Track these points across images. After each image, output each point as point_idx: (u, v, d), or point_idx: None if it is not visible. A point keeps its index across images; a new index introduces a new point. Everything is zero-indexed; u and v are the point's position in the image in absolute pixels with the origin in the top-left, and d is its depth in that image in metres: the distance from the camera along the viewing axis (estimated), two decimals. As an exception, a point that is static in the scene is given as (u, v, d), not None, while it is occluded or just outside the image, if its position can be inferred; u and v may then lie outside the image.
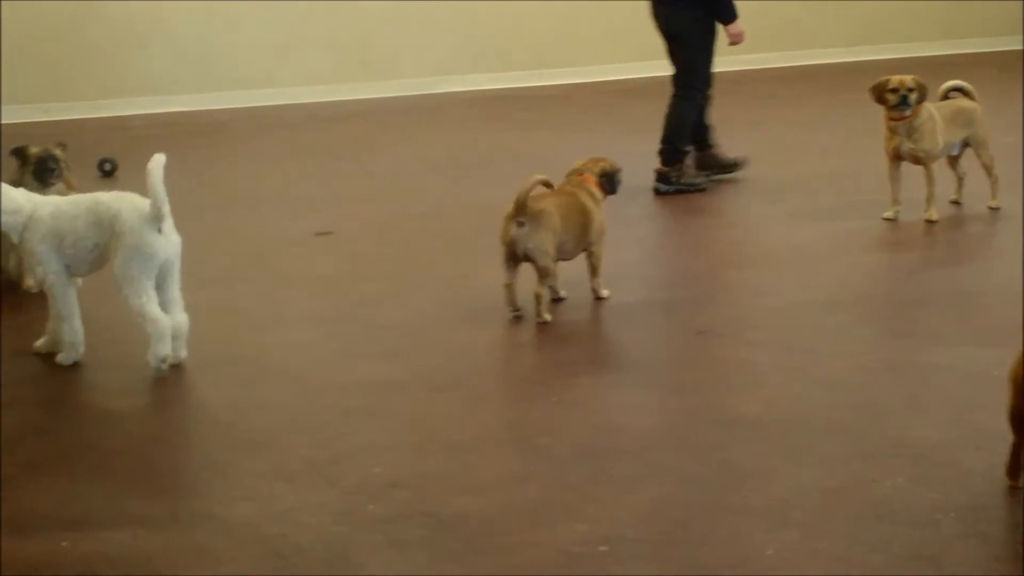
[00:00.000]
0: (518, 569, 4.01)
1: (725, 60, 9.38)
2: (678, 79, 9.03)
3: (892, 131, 7.79)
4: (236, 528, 4.29)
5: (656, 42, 9.03)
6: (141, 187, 5.91)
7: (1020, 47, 14.59)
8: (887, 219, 7.80)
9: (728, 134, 9.43)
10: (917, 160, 7.80)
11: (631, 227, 7.25)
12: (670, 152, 8.86)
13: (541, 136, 11.18)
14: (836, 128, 10.76)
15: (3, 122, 11.77)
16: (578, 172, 6.60)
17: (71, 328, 5.85)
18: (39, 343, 5.97)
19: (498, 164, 9.82)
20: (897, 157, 7.82)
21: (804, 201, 8.40)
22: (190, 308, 6.57)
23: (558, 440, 4.96)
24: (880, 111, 7.87)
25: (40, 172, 6.97)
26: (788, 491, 4.45)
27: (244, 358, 5.91)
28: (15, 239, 5.86)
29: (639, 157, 9.10)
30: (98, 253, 5.85)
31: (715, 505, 4.38)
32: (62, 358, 5.84)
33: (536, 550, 4.12)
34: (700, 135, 9.13)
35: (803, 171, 9.25)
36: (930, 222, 7.76)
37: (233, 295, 6.86)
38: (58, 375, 5.80)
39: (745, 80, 13.55)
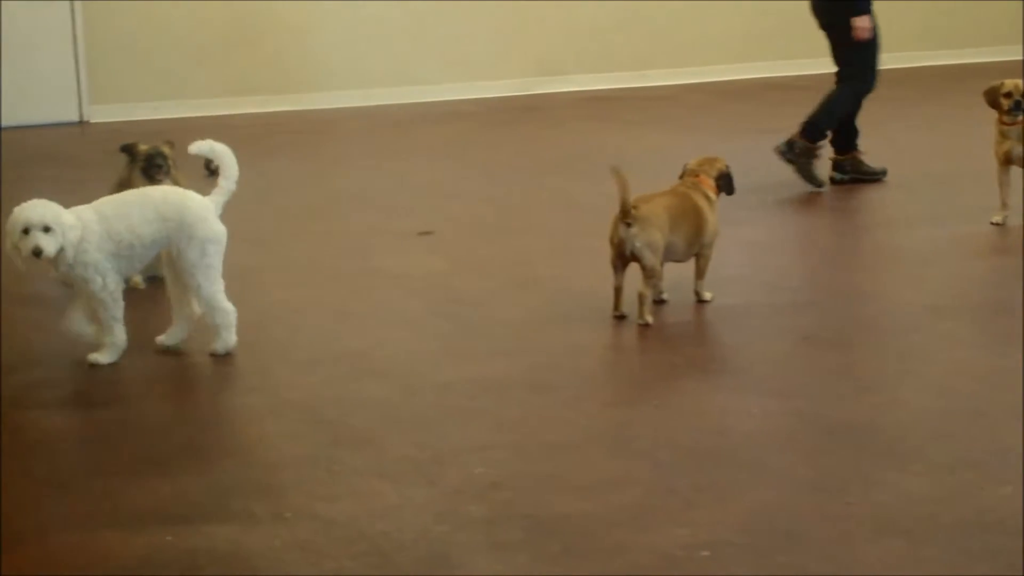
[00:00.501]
0: (619, 573, 4.00)
1: (827, 62, 9.29)
2: (839, 72, 9.00)
3: (1003, 135, 7.68)
4: (338, 525, 4.31)
5: (759, 43, 8.99)
6: (245, 185, 5.97)
7: None
8: (996, 223, 7.68)
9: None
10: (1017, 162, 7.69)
11: (735, 228, 7.19)
12: (810, 129, 8.83)
13: (647, 137, 11.15)
14: (943, 130, 10.63)
15: (114, 120, 11.97)
16: (693, 173, 6.55)
17: (120, 329, 5.86)
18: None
19: (602, 164, 9.73)
20: (1007, 161, 7.71)
21: (911, 204, 8.31)
22: (295, 306, 6.66)
23: (660, 443, 4.94)
24: (991, 115, 7.76)
25: (148, 169, 7.06)
26: (893, 498, 4.40)
27: (347, 355, 5.94)
28: (71, 257, 5.70)
29: (744, 158, 9.04)
30: (156, 249, 5.90)
31: (819, 511, 4.34)
32: (101, 357, 5.83)
33: (637, 554, 4.10)
34: (848, 137, 9.03)
35: (911, 174, 9.14)
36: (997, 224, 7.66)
37: (337, 293, 6.90)
38: (162, 374, 5.87)
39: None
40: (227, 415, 5.31)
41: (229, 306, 5.89)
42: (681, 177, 6.58)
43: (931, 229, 7.65)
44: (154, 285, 6.76)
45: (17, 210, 5.62)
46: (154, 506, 4.47)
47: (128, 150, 7.14)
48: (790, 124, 11.39)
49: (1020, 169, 7.75)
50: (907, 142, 10.20)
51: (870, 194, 8.77)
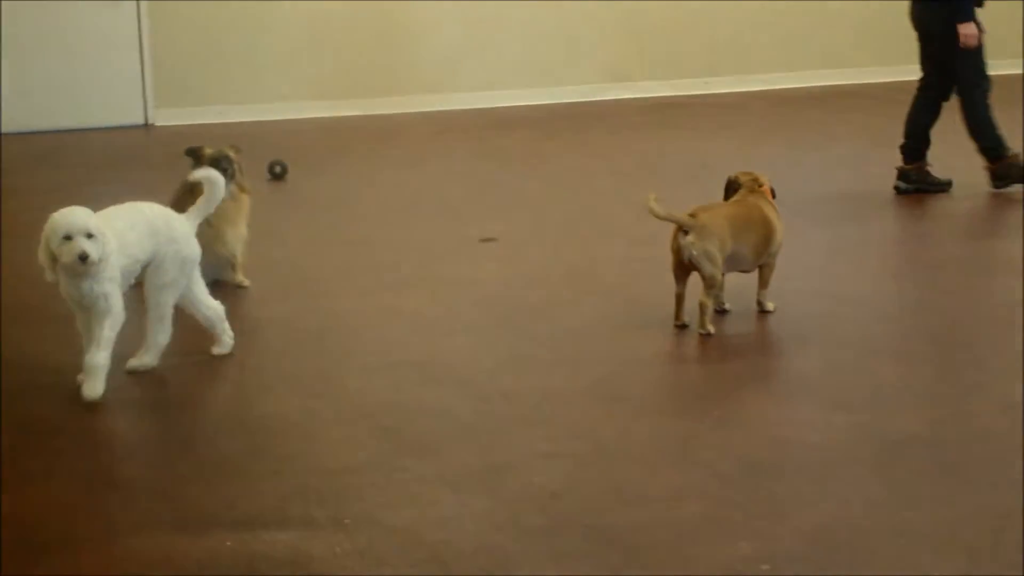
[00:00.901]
0: (679, 585, 3.99)
1: (893, 70, 9.22)
2: (956, 84, 8.84)
3: None
4: (398, 533, 4.32)
5: (825, 51, 8.92)
6: (310, 190, 6.00)
7: None
8: None
9: (896, 142, 9.27)
10: None
11: (798, 238, 7.15)
12: (988, 151, 8.77)
13: (712, 144, 11.11)
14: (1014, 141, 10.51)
15: (179, 123, 12.06)
16: (754, 182, 6.50)
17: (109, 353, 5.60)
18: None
19: (668, 171, 9.79)
20: None
21: (978, 215, 8.21)
22: (359, 313, 6.68)
23: (722, 455, 4.91)
24: None
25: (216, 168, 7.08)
26: (957, 514, 4.36)
27: (411, 362, 5.95)
28: (101, 270, 5.48)
29: (809, 167, 9.01)
30: (144, 264, 5.76)
31: (882, 526, 4.30)
32: (88, 389, 5.49)
33: (698, 565, 4.09)
34: (918, 147, 8.94)
35: (978, 184, 9.03)
36: None
37: (400, 300, 6.91)
38: (227, 380, 5.90)
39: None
40: (290, 420, 5.32)
41: (216, 303, 6.02)
42: (728, 188, 6.55)
43: (997, 241, 7.56)
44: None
45: (57, 216, 5.43)
46: (215, 510, 4.49)
47: (193, 154, 7.18)
48: (857, 132, 11.39)
49: None
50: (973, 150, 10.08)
51: (936, 205, 8.70)
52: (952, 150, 9.51)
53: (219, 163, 7.10)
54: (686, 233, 6.16)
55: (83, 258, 5.36)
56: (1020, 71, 13.83)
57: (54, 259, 5.43)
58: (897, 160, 9.10)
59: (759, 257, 6.38)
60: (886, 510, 4.42)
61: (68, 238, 5.37)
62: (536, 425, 5.24)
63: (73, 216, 5.43)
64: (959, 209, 8.63)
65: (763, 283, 6.47)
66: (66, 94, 12.01)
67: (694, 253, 6.17)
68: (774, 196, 6.52)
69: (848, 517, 4.37)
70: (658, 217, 6.17)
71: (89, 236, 5.39)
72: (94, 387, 5.43)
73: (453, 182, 9.89)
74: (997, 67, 13.94)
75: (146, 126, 12.28)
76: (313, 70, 12.78)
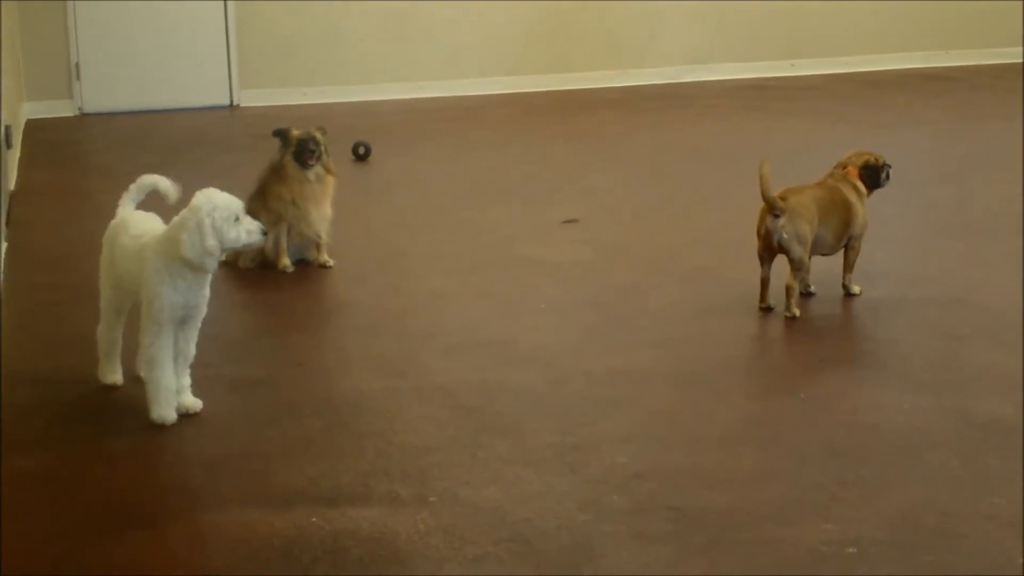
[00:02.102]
0: (764, 567, 3.97)
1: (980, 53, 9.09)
2: None
3: None
4: (481, 511, 4.33)
5: (908, 33, 8.80)
6: (393, 172, 6.01)
7: None
8: None
9: (984, 127, 9.16)
10: None
11: (886, 223, 7.09)
12: None
13: (796, 127, 11.03)
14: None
15: (263, 104, 12.13)
16: (842, 165, 6.49)
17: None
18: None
19: (751, 154, 9.66)
20: None
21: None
22: (442, 293, 6.69)
23: (806, 437, 4.89)
24: None
25: (300, 154, 7.13)
26: (1045, 499, 4.32)
27: (493, 343, 5.97)
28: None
29: (895, 151, 8.90)
30: None
31: (968, 510, 4.27)
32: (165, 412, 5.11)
33: (783, 548, 4.07)
34: None
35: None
36: None
37: (483, 281, 6.93)
38: (311, 359, 5.93)
39: (1005, 73, 13.18)
40: (373, 399, 5.35)
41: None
42: (832, 170, 6.51)
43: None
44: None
45: (212, 197, 4.95)
46: (301, 487, 4.53)
47: (281, 135, 7.22)
48: (943, 116, 11.26)
49: None
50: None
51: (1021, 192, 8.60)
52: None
53: (306, 144, 7.15)
54: (776, 216, 6.13)
55: (264, 232, 5.07)
56: (1021, 60, 13.64)
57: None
58: (983, 141, 8.98)
59: (839, 241, 6.34)
60: (972, 494, 4.38)
61: (238, 219, 4.97)
62: (618, 406, 5.23)
63: (226, 196, 5.00)
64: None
65: (848, 267, 6.42)
66: (152, 74, 12.12)
67: (785, 236, 6.13)
68: (871, 175, 6.45)
69: (934, 501, 4.34)
70: (763, 187, 6.09)
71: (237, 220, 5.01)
72: (170, 412, 5.08)
73: (534, 164, 9.88)
74: (999, 56, 13.86)
75: (231, 107, 12.36)
76: (396, 51, 12.80)
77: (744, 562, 4.00)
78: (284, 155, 7.15)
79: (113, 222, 5.38)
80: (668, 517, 4.28)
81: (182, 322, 5.08)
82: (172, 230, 5.00)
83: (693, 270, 7.02)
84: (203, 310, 5.12)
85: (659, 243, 7.62)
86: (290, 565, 4.03)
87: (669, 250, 7.46)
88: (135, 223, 5.26)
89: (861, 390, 5.41)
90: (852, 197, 6.36)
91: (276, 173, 7.19)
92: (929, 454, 4.71)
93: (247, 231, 4.99)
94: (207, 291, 5.09)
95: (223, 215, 4.93)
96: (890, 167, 6.56)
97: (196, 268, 4.96)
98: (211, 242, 4.90)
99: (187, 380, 5.17)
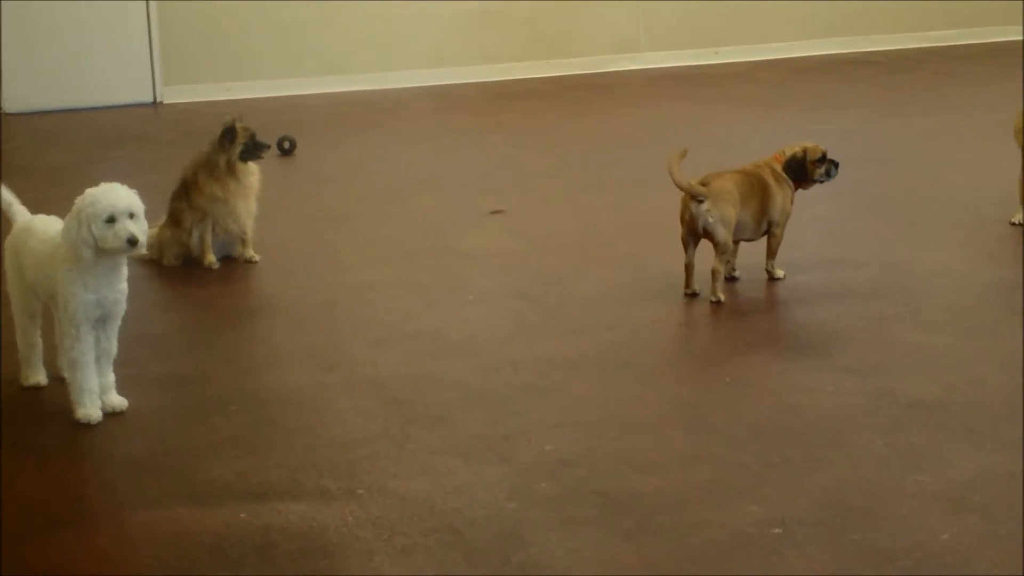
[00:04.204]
0: (691, 550, 4.00)
1: (903, 37, 9.18)
2: None
3: None
4: (411, 502, 4.33)
5: (832, 19, 8.85)
6: (319, 165, 6.00)
7: None
8: (1018, 224, 7.26)
9: (908, 110, 9.26)
10: None
11: (810, 206, 7.14)
12: None
13: (723, 114, 11.09)
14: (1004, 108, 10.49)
15: (187, 100, 12.05)
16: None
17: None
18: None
19: (678, 142, 9.69)
20: None
21: (989, 185, 8.16)
22: (370, 285, 6.68)
23: (733, 420, 4.93)
24: None
25: (255, 149, 7.11)
26: (968, 475, 4.37)
27: (422, 334, 5.97)
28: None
29: (821, 135, 8.98)
30: None
31: (892, 488, 4.32)
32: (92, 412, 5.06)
33: (710, 531, 4.10)
34: None
35: (991, 154, 9.01)
36: None
37: (411, 272, 6.92)
38: (239, 354, 5.92)
39: (928, 56, 13.32)
40: (302, 393, 5.34)
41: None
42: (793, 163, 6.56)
43: (1006, 210, 7.48)
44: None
45: (97, 192, 4.86)
46: (229, 483, 4.51)
47: (230, 132, 7.11)
48: (866, 100, 11.37)
49: None
50: (987, 120, 10.05)
51: (946, 174, 8.68)
52: (966, 119, 9.47)
53: (255, 137, 7.14)
54: (700, 202, 6.17)
55: (132, 242, 4.82)
56: (1021, 38, 13.78)
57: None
58: (908, 125, 9.07)
59: (760, 225, 6.39)
60: (897, 473, 4.43)
61: (112, 220, 4.81)
62: (547, 394, 5.25)
63: (115, 194, 4.86)
64: (970, 178, 8.60)
65: (771, 252, 6.48)
66: (74, 73, 12.01)
67: (710, 220, 6.18)
68: (793, 167, 6.46)
69: (859, 480, 4.38)
70: (674, 181, 6.15)
71: (132, 216, 4.86)
72: (95, 411, 5.04)
73: (460, 155, 9.89)
74: (1000, 34, 14.01)
75: (155, 104, 12.28)
76: (320, 45, 12.76)
77: (671, 545, 4.02)
78: (231, 151, 7.08)
79: (16, 227, 5.30)
80: (596, 502, 4.30)
81: (101, 321, 5.01)
82: (63, 229, 4.95)
83: (620, 257, 7.05)
84: (122, 307, 5.04)
85: (586, 231, 7.65)
86: (219, 561, 4.01)
87: (596, 238, 7.49)
88: (42, 227, 5.20)
89: (787, 373, 5.46)
90: (772, 182, 6.41)
91: (208, 169, 7.13)
92: (854, 434, 4.76)
93: (115, 235, 4.81)
94: (124, 287, 5.02)
95: (95, 211, 4.80)
96: (833, 163, 6.53)
97: (73, 259, 4.86)
98: (84, 233, 4.80)
99: (111, 378, 5.13)
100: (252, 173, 7.18)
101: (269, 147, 7.25)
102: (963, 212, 7.65)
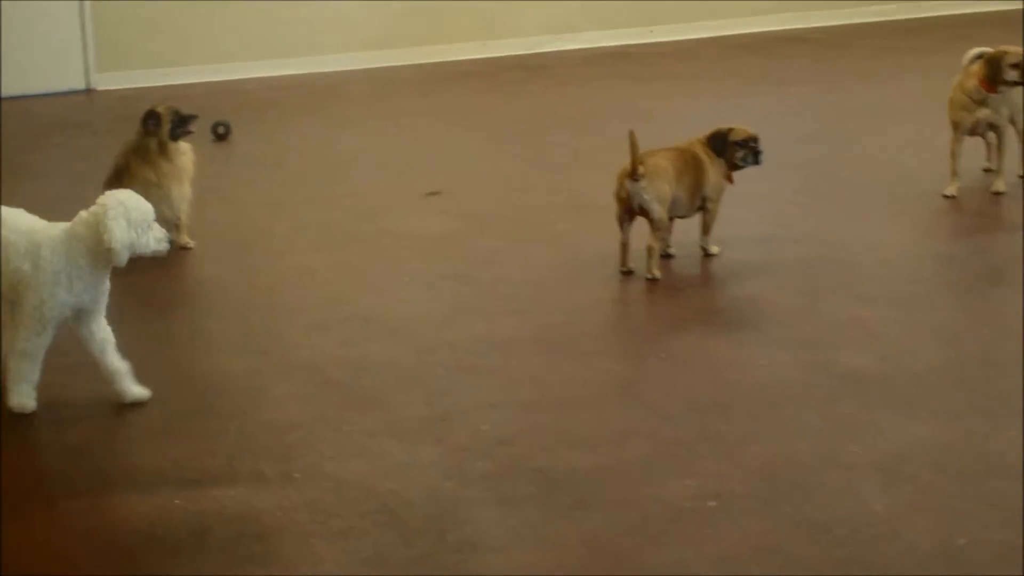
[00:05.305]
0: (627, 525, 4.02)
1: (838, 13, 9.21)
2: None
3: (981, 103, 7.28)
4: (347, 485, 4.33)
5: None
6: (254, 150, 5.97)
7: None
8: (949, 196, 7.34)
9: (843, 86, 9.30)
10: (993, 129, 7.43)
11: (745, 184, 7.15)
12: None
13: (659, 92, 11.10)
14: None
15: (121, 87, 11.95)
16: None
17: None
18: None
19: (613, 121, 9.75)
20: (974, 131, 7.39)
21: (924, 159, 8.21)
22: (306, 270, 6.66)
23: (668, 396, 4.95)
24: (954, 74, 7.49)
25: (181, 123, 7.06)
26: (901, 446, 4.41)
27: (358, 317, 5.95)
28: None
29: (757, 112, 9.03)
30: None
31: (826, 460, 4.35)
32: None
33: (645, 506, 4.12)
34: None
35: (926, 127, 9.06)
36: (998, 194, 7.37)
37: (347, 256, 6.90)
38: (173, 340, 5.88)
39: (863, 32, 13.38)
40: (237, 378, 5.31)
41: None
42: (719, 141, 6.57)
43: (940, 183, 7.53)
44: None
45: (133, 198, 4.92)
46: (164, 470, 4.49)
47: (153, 117, 7.06)
48: (802, 77, 11.41)
49: (986, 137, 7.56)
50: (921, 94, 10.11)
51: (880, 148, 8.73)
52: (902, 92, 9.48)
53: (179, 112, 7.09)
54: (636, 180, 6.19)
55: (171, 242, 5.06)
56: (1020, 6, 13.82)
57: None
58: (843, 101, 9.11)
59: (694, 201, 6.42)
60: (831, 444, 4.47)
61: (150, 226, 4.92)
62: (483, 374, 5.26)
63: (140, 199, 4.95)
64: (907, 152, 8.65)
65: (705, 228, 6.51)
66: (3, 60, 11.86)
67: (646, 197, 6.20)
68: (715, 142, 6.49)
69: (793, 452, 4.42)
70: (632, 145, 6.14)
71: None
72: (30, 401, 4.99)
73: (396, 138, 9.85)
74: (934, 8, 14.10)
75: (88, 91, 12.16)
76: (256, 29, 12.68)
77: (608, 521, 4.04)
78: (160, 132, 7.03)
79: None
80: (533, 480, 4.31)
81: (84, 314, 4.98)
82: (79, 228, 4.89)
83: (556, 236, 7.06)
84: (104, 300, 5.03)
85: (522, 211, 7.65)
86: (154, 548, 4.00)
87: (532, 218, 7.48)
88: (13, 220, 5.08)
89: (722, 348, 5.49)
90: (705, 159, 6.44)
91: (140, 155, 7.08)
92: (788, 407, 4.79)
93: (156, 239, 4.92)
94: (107, 285, 4.99)
95: (139, 217, 4.86)
96: (754, 152, 6.54)
97: (112, 261, 4.83)
98: (132, 234, 4.82)
99: (126, 365, 5.05)
100: (184, 153, 7.13)
101: (196, 117, 7.18)
102: (897, 186, 7.70)
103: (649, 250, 6.23)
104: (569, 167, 8.62)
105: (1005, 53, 7.28)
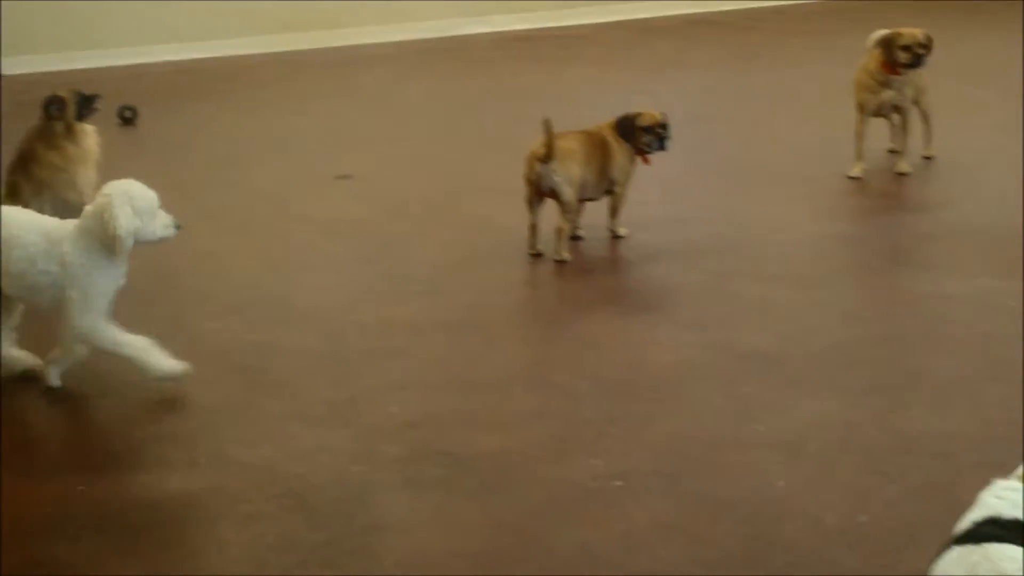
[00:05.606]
0: (535, 506, 4.03)
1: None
2: None
3: (884, 84, 7.38)
4: (253, 469, 4.32)
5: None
6: (161, 134, 5.92)
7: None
8: (854, 178, 7.43)
9: (752, 68, 9.37)
10: (897, 111, 7.53)
11: (652, 166, 7.20)
12: None
13: (569, 75, 11.12)
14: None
15: (28, 71, 11.81)
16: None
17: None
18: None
19: (523, 104, 9.79)
20: (878, 112, 7.48)
21: (831, 141, 8.28)
22: (214, 254, 6.61)
23: (576, 377, 4.98)
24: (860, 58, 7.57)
25: (85, 103, 6.99)
26: (804, 424, 4.46)
27: (266, 301, 5.93)
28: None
29: (665, 95, 9.07)
30: None
31: (730, 438, 4.39)
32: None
33: (553, 486, 4.14)
34: None
35: (833, 109, 9.16)
36: (902, 175, 7.48)
37: (256, 240, 6.87)
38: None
39: (770, 16, 13.49)
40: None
41: None
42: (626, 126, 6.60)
43: (845, 164, 7.61)
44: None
45: (136, 186, 5.04)
46: (67, 455, 4.46)
47: (56, 102, 6.98)
48: (711, 60, 11.48)
49: (890, 118, 7.65)
50: (827, 77, 10.21)
51: (786, 130, 8.81)
52: (807, 77, 9.53)
53: (89, 98, 7.02)
54: (545, 162, 6.21)
55: (178, 227, 5.12)
56: (783, 2, 13.98)
57: None
58: (750, 84, 9.18)
59: (602, 183, 6.45)
60: (736, 422, 4.51)
61: (155, 212, 5.04)
62: (392, 357, 5.25)
63: (143, 187, 5.07)
64: (815, 135, 8.74)
65: (613, 211, 6.55)
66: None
67: (556, 180, 6.23)
68: (622, 126, 6.52)
69: (698, 432, 4.46)
70: (548, 139, 6.16)
71: None
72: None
73: (306, 121, 9.81)
74: None
75: (-7, 76, 12.00)
76: (163, 12, 12.57)
77: (515, 502, 4.05)
78: (66, 114, 6.95)
79: None
80: (441, 462, 4.32)
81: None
82: (88, 221, 4.95)
83: (465, 219, 7.07)
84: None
85: (432, 194, 7.65)
86: (56, 536, 3.96)
87: (442, 200, 7.49)
88: (28, 222, 5.09)
89: (628, 328, 5.52)
90: (612, 142, 6.47)
91: (45, 139, 7.00)
92: (693, 387, 4.83)
93: (163, 225, 5.02)
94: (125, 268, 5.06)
95: (144, 204, 4.97)
96: (659, 138, 6.56)
97: (117, 250, 4.90)
98: (137, 222, 4.92)
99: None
100: (89, 135, 7.06)
101: (100, 96, 7.12)
102: (803, 167, 7.78)
103: (558, 232, 6.25)
104: (478, 149, 8.63)
105: (898, 35, 7.36)
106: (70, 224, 5.05)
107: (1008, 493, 2.82)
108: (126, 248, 4.93)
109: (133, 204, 4.94)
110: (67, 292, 4.95)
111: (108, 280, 4.99)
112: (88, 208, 5.01)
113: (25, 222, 5.10)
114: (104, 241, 4.91)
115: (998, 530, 2.72)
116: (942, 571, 2.68)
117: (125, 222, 4.88)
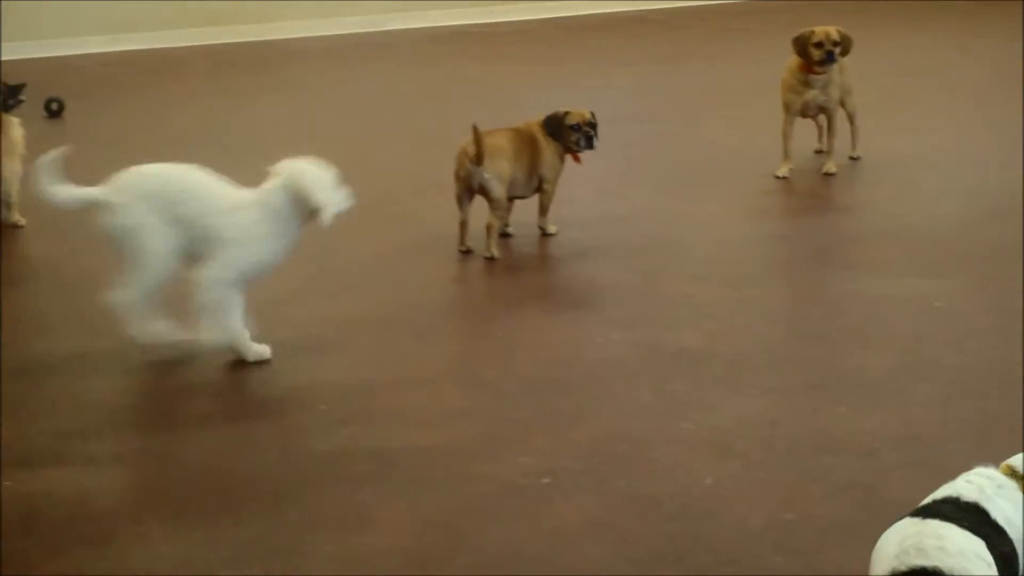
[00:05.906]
0: (464, 502, 4.04)
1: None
2: None
3: (806, 84, 7.42)
4: (181, 466, 4.30)
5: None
6: (88, 127, 5.87)
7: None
8: (781, 177, 7.48)
9: (682, 67, 9.41)
10: (823, 111, 7.57)
11: (582, 165, 7.23)
12: None
13: (503, 71, 11.14)
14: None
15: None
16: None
17: None
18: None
19: (455, 100, 9.80)
20: (804, 112, 7.53)
21: (758, 139, 8.34)
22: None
23: (505, 374, 4.99)
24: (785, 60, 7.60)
25: (11, 93, 6.96)
26: (730, 422, 4.49)
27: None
28: None
29: (598, 92, 9.10)
30: None
31: (657, 436, 4.42)
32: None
33: (481, 483, 4.14)
34: None
35: (761, 109, 9.21)
36: (829, 175, 7.54)
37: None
38: (3, 322, 5.77)
39: (704, 14, 13.57)
40: (69, 359, 5.23)
41: None
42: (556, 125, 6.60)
43: (772, 164, 7.65)
44: None
45: (313, 166, 5.45)
46: (-8, 454, 4.41)
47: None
48: (644, 57, 11.53)
49: (817, 119, 7.72)
50: (757, 76, 10.27)
51: (716, 129, 8.86)
52: (735, 75, 9.59)
53: (16, 90, 6.98)
54: (476, 165, 6.21)
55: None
56: (719, 1, 14.08)
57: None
58: (681, 83, 9.22)
59: (531, 180, 6.47)
60: (663, 420, 4.54)
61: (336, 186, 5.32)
62: (320, 353, 5.25)
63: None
64: (743, 134, 8.79)
65: (543, 209, 6.57)
66: None
67: (486, 176, 6.24)
68: (550, 124, 6.52)
69: (626, 429, 4.48)
70: (476, 142, 6.16)
71: None
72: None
73: (236, 115, 9.77)
74: None
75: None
76: (91, 3, 12.47)
77: (443, 499, 4.06)
78: None
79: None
80: (370, 459, 4.31)
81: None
82: (271, 196, 5.30)
83: (397, 216, 7.06)
84: None
85: (364, 189, 7.50)
86: (-19, 532, 3.93)
87: (374, 196, 7.41)
88: (209, 179, 5.54)
89: (557, 326, 5.54)
90: (542, 140, 6.49)
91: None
92: (622, 384, 4.85)
93: (344, 197, 5.35)
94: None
95: (331, 179, 5.36)
96: (587, 137, 6.54)
97: (324, 219, 5.23)
98: (331, 195, 5.29)
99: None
100: (14, 127, 7.01)
101: (25, 84, 7.08)
102: (730, 167, 7.83)
103: (488, 229, 6.27)
104: (410, 145, 8.62)
105: (811, 32, 7.40)
106: (252, 192, 5.37)
107: (979, 479, 2.86)
108: (328, 221, 5.21)
109: (324, 179, 5.29)
110: (230, 248, 5.14)
111: (277, 248, 5.24)
112: (268, 185, 5.32)
113: (208, 180, 5.53)
114: (301, 211, 5.22)
115: (951, 509, 2.76)
116: (883, 538, 2.73)
117: (325, 195, 5.19)
